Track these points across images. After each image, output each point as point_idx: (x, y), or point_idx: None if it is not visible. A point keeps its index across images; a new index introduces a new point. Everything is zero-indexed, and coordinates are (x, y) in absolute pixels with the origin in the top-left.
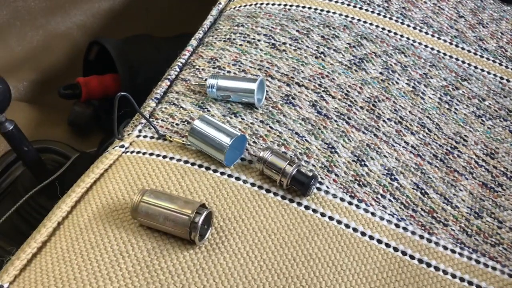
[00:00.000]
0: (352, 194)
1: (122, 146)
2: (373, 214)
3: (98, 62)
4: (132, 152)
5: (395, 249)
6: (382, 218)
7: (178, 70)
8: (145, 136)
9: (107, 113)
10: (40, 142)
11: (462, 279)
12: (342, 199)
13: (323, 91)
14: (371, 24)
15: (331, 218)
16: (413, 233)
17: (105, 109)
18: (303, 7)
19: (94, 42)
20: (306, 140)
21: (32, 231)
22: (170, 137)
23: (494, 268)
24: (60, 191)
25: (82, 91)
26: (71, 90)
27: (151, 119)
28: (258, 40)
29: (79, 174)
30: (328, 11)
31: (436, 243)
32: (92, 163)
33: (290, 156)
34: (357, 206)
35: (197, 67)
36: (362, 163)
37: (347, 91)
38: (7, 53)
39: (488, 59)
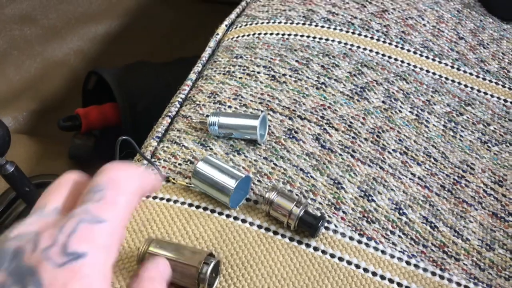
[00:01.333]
0: (361, 232)
1: None
2: (383, 252)
3: (97, 90)
4: None
5: None
6: (392, 256)
7: (178, 106)
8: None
9: (108, 143)
10: (41, 177)
11: None
12: (351, 238)
13: (326, 123)
14: (371, 50)
15: (341, 259)
16: (425, 270)
17: (106, 139)
18: (302, 35)
19: (92, 72)
20: (312, 177)
21: None
22: (174, 179)
23: None
24: None
25: (82, 123)
26: (70, 121)
27: (153, 160)
28: (258, 72)
29: None
30: (327, 39)
31: (449, 280)
32: None
33: (297, 195)
34: (366, 244)
35: (198, 102)
36: (370, 198)
37: (350, 122)
38: (5, 83)
39: (490, 81)
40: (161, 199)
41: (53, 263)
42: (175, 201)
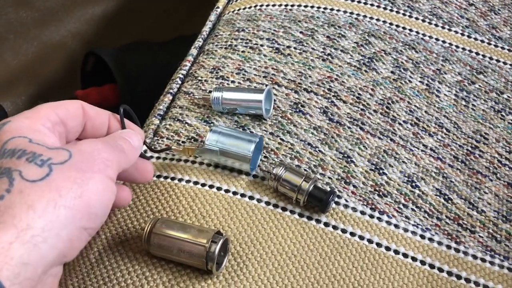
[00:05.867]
0: (373, 206)
1: None
2: (396, 226)
3: (96, 71)
4: None
5: (422, 263)
6: (406, 230)
7: (179, 82)
8: (151, 157)
9: None
10: None
11: None
12: (362, 212)
13: (333, 96)
14: (377, 19)
15: (352, 234)
16: (440, 243)
17: None
18: (305, 6)
19: (90, 53)
20: (320, 151)
21: None
22: (179, 143)
23: None
24: None
25: None
26: None
27: (156, 138)
28: (261, 45)
29: None
30: (331, 9)
31: (465, 253)
32: None
33: (305, 170)
34: (379, 218)
35: (200, 78)
36: (381, 171)
37: (359, 94)
38: (2, 68)
39: (503, 48)
40: (165, 177)
41: None
42: (180, 180)
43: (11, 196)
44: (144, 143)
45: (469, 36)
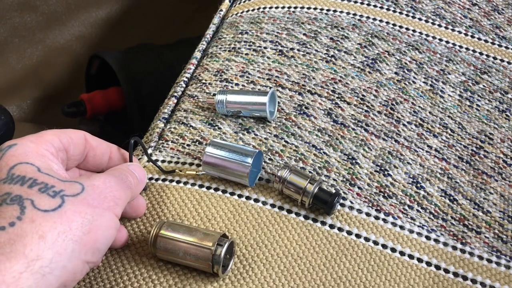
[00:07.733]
0: (378, 208)
1: None
2: (401, 227)
3: (101, 74)
4: None
5: (428, 264)
6: (411, 231)
7: (184, 85)
8: (156, 160)
9: (114, 128)
10: None
11: None
12: (368, 214)
13: (337, 97)
14: (381, 21)
15: (358, 235)
16: (445, 244)
17: (111, 123)
18: (308, 8)
19: (94, 56)
20: (325, 153)
21: None
22: (181, 170)
23: None
24: None
25: (87, 108)
26: (75, 107)
27: (160, 141)
28: (265, 48)
29: None
30: (335, 11)
31: (471, 254)
32: None
33: (310, 173)
34: (384, 220)
35: (204, 81)
36: (385, 172)
37: (363, 95)
38: (8, 72)
39: (507, 47)
40: (171, 181)
41: None
42: (185, 183)
43: (23, 224)
44: (154, 163)
45: (472, 36)
